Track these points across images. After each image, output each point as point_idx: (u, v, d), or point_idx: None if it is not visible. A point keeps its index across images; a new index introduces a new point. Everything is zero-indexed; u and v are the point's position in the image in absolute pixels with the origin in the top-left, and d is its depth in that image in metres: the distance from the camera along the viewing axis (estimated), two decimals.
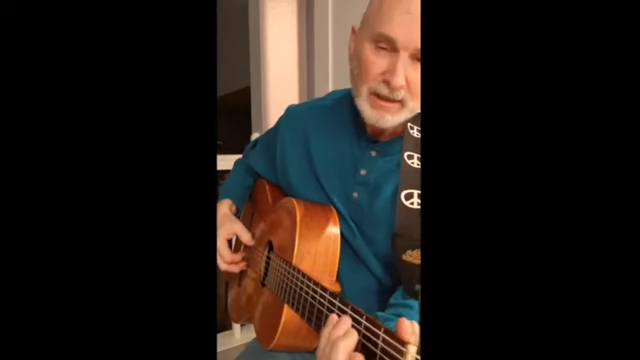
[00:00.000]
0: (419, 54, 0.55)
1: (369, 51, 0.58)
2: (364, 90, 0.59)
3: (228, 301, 0.92)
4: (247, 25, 2.16)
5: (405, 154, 0.59)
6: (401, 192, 0.57)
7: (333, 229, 0.66)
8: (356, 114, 0.68)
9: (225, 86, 3.71)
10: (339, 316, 0.47)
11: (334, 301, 0.49)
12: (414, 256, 0.53)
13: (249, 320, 0.80)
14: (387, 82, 0.57)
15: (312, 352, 0.67)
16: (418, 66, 0.56)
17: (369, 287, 0.66)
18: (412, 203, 0.56)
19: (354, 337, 0.42)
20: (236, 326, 1.69)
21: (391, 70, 0.56)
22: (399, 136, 0.64)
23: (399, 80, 0.55)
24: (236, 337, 1.68)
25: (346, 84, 0.68)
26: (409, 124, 0.61)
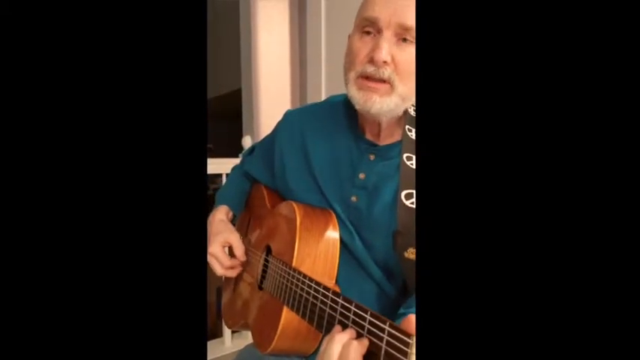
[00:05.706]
0: (404, 33, 0.56)
1: (356, 39, 0.60)
2: (352, 75, 0.60)
3: (222, 307, 0.91)
4: (238, 25, 2.16)
5: (404, 156, 0.60)
6: (401, 192, 0.58)
7: (333, 233, 0.66)
8: (354, 117, 0.68)
9: (215, 88, 3.70)
10: (343, 325, 0.47)
11: (337, 299, 0.49)
12: (415, 254, 0.54)
13: (245, 326, 0.79)
14: (371, 60, 0.57)
15: (312, 355, 0.67)
16: (405, 47, 0.57)
17: (368, 292, 0.66)
18: (412, 203, 0.58)
19: (364, 341, 0.43)
20: (226, 334, 1.67)
21: (374, 48, 0.57)
22: (397, 140, 0.65)
23: (382, 55, 0.56)
24: (226, 345, 1.67)
25: (339, 85, 0.68)
26: (407, 126, 0.62)
